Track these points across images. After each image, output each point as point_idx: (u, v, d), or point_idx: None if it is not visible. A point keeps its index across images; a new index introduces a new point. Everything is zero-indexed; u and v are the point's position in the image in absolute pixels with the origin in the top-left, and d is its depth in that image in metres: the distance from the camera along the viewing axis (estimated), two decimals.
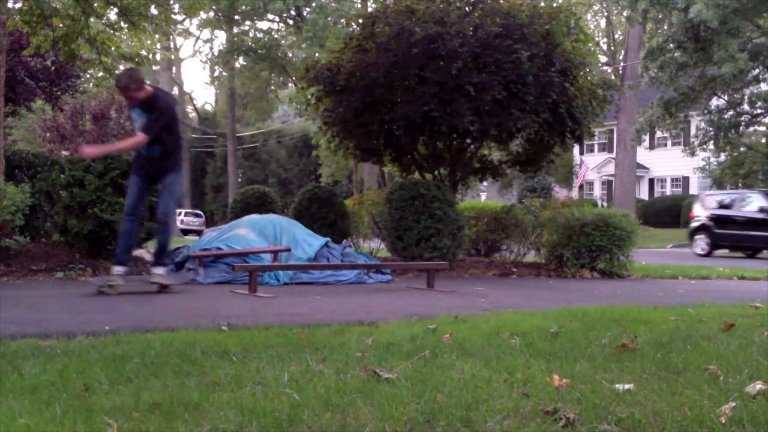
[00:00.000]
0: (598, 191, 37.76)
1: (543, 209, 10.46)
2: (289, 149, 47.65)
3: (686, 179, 34.49)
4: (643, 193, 35.54)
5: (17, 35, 12.11)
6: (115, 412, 2.18)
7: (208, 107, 60.07)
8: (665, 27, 20.30)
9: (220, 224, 16.68)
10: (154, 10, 9.64)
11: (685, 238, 24.28)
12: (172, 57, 35.97)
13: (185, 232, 33.55)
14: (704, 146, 23.85)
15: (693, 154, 24.12)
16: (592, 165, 35.62)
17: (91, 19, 9.56)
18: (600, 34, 45.80)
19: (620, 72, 29.30)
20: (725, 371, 2.78)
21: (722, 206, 17.75)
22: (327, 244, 8.19)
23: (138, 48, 10.33)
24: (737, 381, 2.61)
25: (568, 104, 9.10)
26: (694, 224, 18.02)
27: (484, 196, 39.70)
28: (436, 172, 10.63)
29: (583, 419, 2.14)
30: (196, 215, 39.05)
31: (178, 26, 32.15)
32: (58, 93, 14.67)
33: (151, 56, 10.70)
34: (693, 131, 26.73)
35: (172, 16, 10.95)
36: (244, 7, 34.35)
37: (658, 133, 31.49)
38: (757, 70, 20.35)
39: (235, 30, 37.00)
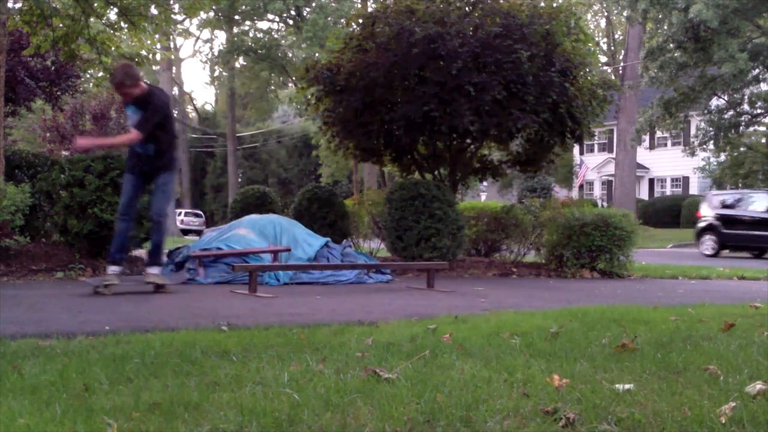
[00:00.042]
0: (598, 191, 37.77)
1: (543, 209, 10.46)
2: (289, 149, 47.65)
3: (686, 179, 34.50)
4: (643, 193, 35.55)
5: (17, 35, 12.11)
6: (115, 412, 2.18)
7: (208, 107, 60.11)
8: (665, 27, 20.31)
9: (220, 224, 16.69)
10: (154, 10, 9.64)
11: (686, 238, 24.33)
12: (172, 57, 35.96)
13: (185, 232, 33.55)
14: (704, 146, 23.86)
15: (693, 154, 24.12)
16: (592, 165, 35.62)
17: (91, 19, 9.56)
18: (600, 34, 45.81)
19: (620, 72, 29.30)
20: (725, 371, 2.78)
21: (730, 206, 17.59)
22: (327, 244, 8.19)
23: (138, 48, 10.33)
24: (737, 381, 2.61)
25: (568, 104, 9.10)
26: (701, 224, 17.83)
27: (484, 196, 39.71)
28: (436, 172, 10.63)
29: (583, 419, 2.14)
30: (196, 215, 39.06)
31: (178, 26, 32.17)
32: (58, 93, 14.67)
33: (151, 56, 10.69)
34: (693, 131, 26.73)
35: (172, 16, 10.95)
36: (244, 7, 34.34)
37: (658, 133, 31.50)
38: (757, 70, 20.36)
39: (235, 30, 36.99)
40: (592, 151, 37.83)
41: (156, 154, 5.96)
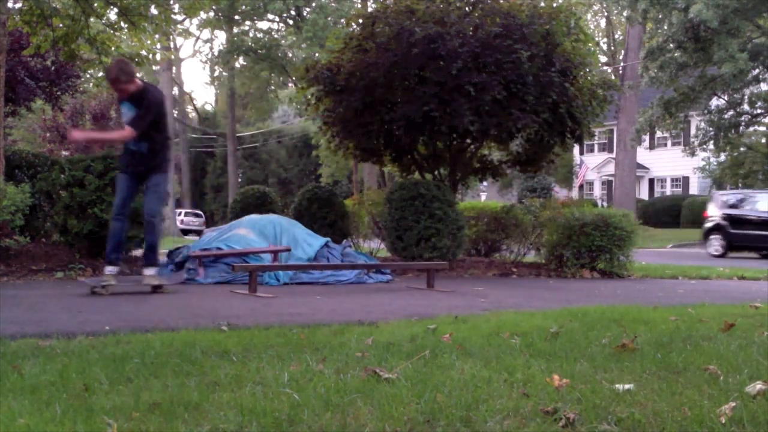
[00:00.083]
0: (598, 191, 37.78)
1: (543, 209, 10.46)
2: (289, 149, 47.66)
3: (686, 179, 34.51)
4: (643, 193, 35.55)
5: (17, 35, 12.11)
6: (115, 412, 2.18)
7: (208, 107, 60.12)
8: (665, 27, 20.31)
9: (220, 224, 16.69)
10: (154, 10, 9.64)
11: (686, 237, 24.34)
12: (172, 57, 35.95)
13: (185, 232, 33.55)
14: (704, 146, 23.86)
15: (693, 154, 24.12)
16: (592, 165, 35.63)
17: (91, 19, 9.56)
18: (600, 34, 45.81)
19: (620, 72, 29.31)
20: (725, 371, 2.78)
21: (737, 206, 17.41)
22: (327, 244, 8.19)
23: (138, 48, 10.33)
24: (737, 381, 2.61)
25: (568, 104, 9.10)
26: (708, 224, 17.63)
27: (484, 196, 39.71)
28: (436, 172, 10.63)
29: (583, 419, 2.14)
30: (196, 215, 39.07)
31: (178, 26, 32.15)
32: (58, 93, 14.68)
33: (151, 56, 10.69)
34: (693, 131, 26.74)
35: (172, 16, 10.94)
36: (244, 7, 34.34)
37: (658, 133, 31.51)
38: (757, 70, 20.36)
39: (235, 30, 36.99)
40: (592, 151, 37.84)
41: (149, 152, 5.94)
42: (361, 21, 10.00)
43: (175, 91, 41.49)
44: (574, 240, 9.11)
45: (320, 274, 7.42)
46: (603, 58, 42.18)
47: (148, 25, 9.69)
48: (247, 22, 37.27)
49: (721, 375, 2.72)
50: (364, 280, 7.62)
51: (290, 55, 36.76)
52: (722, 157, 27.10)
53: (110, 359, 2.98)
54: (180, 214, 36.78)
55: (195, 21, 38.16)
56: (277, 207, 11.00)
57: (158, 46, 11.93)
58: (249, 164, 48.09)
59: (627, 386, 2.50)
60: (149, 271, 6.02)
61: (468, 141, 10.14)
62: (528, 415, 2.19)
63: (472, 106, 8.56)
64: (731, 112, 22.54)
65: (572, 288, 7.44)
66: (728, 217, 17.16)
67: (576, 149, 32.90)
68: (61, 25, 9.42)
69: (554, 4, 10.22)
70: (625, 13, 22.93)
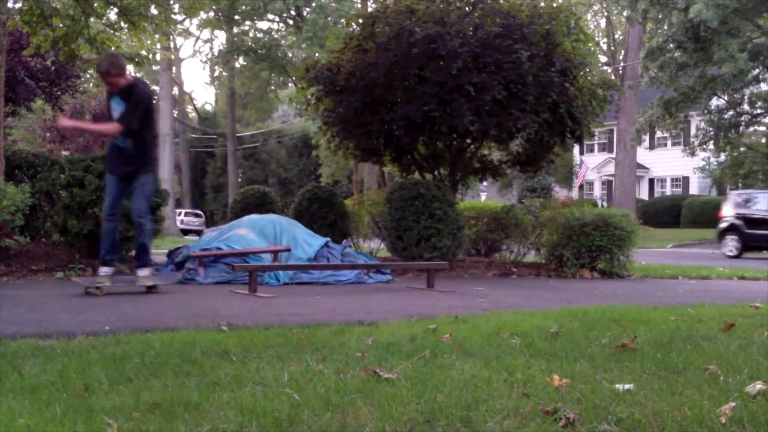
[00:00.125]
0: (598, 191, 37.77)
1: (543, 209, 10.46)
2: (289, 149, 47.65)
3: (686, 179, 34.51)
4: (643, 193, 35.55)
5: (17, 35, 12.11)
6: (115, 412, 2.18)
7: (208, 107, 60.08)
8: (665, 27, 20.31)
9: (220, 224, 16.69)
10: (154, 10, 9.64)
11: (686, 237, 24.36)
12: (172, 57, 35.93)
13: (185, 232, 33.55)
14: (704, 146, 23.85)
15: (693, 154, 24.11)
16: (592, 165, 35.62)
17: (91, 19, 9.55)
18: (600, 34, 45.80)
19: (620, 72, 29.30)
20: (725, 371, 2.78)
21: (753, 206, 17.19)
22: (327, 244, 8.19)
23: (138, 48, 10.32)
24: (737, 381, 2.61)
25: (568, 104, 9.10)
26: (723, 225, 17.46)
27: (484, 196, 39.71)
28: (436, 172, 10.63)
29: (583, 419, 2.14)
30: (196, 215, 39.06)
31: (178, 26, 32.13)
32: (58, 93, 14.68)
33: (151, 56, 10.69)
34: (693, 131, 26.74)
35: (172, 16, 10.94)
36: (244, 7, 34.32)
37: (658, 133, 31.50)
38: (757, 70, 20.35)
39: (235, 30, 36.97)
40: (592, 151, 37.83)
41: (135, 149, 5.93)
42: (361, 21, 10.00)
43: (175, 91, 41.48)
44: (574, 240, 9.11)
45: (320, 274, 7.42)
46: (603, 58, 42.18)
47: (148, 25, 9.68)
48: (247, 22, 37.26)
49: (721, 375, 2.72)
50: (364, 280, 7.62)
51: (290, 55, 36.75)
52: (722, 157, 27.09)
53: (110, 359, 2.98)
54: (180, 214, 36.77)
55: (195, 21, 38.15)
56: (277, 207, 11.00)
57: (158, 46, 11.93)
58: (249, 164, 48.09)
59: (627, 386, 2.50)
60: (142, 272, 6.02)
61: (468, 141, 10.14)
62: (528, 415, 2.19)
63: (472, 106, 8.56)
64: (731, 112, 22.53)
65: (572, 288, 7.44)
66: (743, 217, 16.97)
67: (576, 149, 32.90)
68: (61, 25, 9.42)
69: (554, 4, 10.22)
70: (625, 13, 22.93)
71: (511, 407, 2.25)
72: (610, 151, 34.27)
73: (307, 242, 8.03)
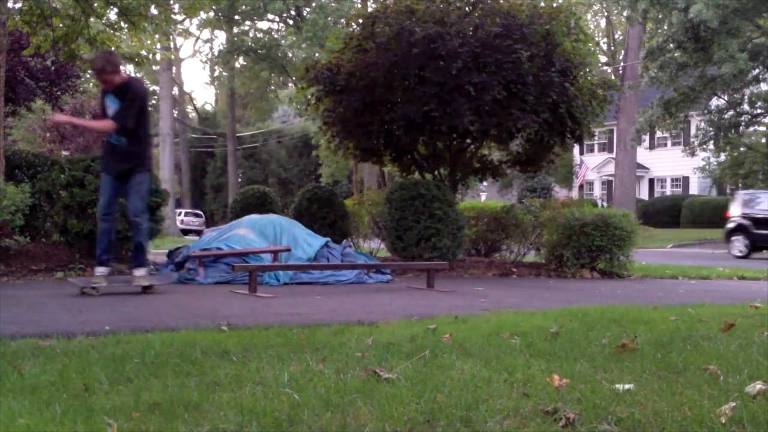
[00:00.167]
0: (598, 191, 37.78)
1: (543, 209, 10.46)
2: (289, 149, 47.65)
3: (686, 179, 34.51)
4: (643, 193, 35.55)
5: (17, 35, 12.11)
6: (115, 412, 2.18)
7: (208, 107, 60.09)
8: (665, 27, 20.31)
9: (220, 224, 16.69)
10: (154, 10, 9.64)
11: (686, 237, 24.35)
12: (172, 57, 35.94)
13: (185, 232, 33.55)
14: (704, 146, 23.86)
15: (693, 154, 24.11)
16: (592, 165, 35.63)
17: (91, 19, 9.55)
18: (600, 34, 45.81)
19: (620, 72, 29.31)
20: (725, 371, 2.78)
21: (760, 206, 17.03)
22: (327, 244, 8.19)
23: (138, 48, 10.32)
24: (737, 381, 2.61)
25: (568, 104, 9.10)
26: (730, 225, 17.30)
27: (484, 196, 39.71)
28: (436, 172, 10.63)
29: (583, 419, 2.14)
30: (196, 215, 39.07)
31: (178, 26, 32.15)
32: (58, 93, 14.68)
33: (151, 56, 10.68)
34: (693, 131, 26.74)
35: (172, 16, 10.94)
36: (244, 7, 34.33)
37: (658, 133, 31.51)
38: (757, 70, 20.36)
39: (235, 30, 36.98)
40: (592, 151, 37.84)
41: (130, 147, 5.93)
42: (361, 21, 10.00)
43: (175, 91, 41.48)
44: (574, 240, 9.11)
45: (320, 274, 7.42)
46: (603, 58, 42.19)
47: (148, 25, 9.68)
48: (247, 22, 37.26)
49: (721, 375, 2.72)
50: (364, 280, 7.62)
51: (290, 55, 36.75)
52: (722, 157, 27.10)
53: (110, 359, 2.98)
54: (180, 214, 36.78)
55: (195, 21, 38.15)
56: (277, 207, 11.00)
57: (158, 46, 11.92)
58: (249, 164, 48.09)
59: (627, 386, 2.50)
60: (139, 272, 6.01)
61: (468, 141, 10.14)
62: (528, 415, 2.19)
63: (472, 106, 8.56)
64: (731, 112, 22.54)
65: (572, 288, 7.44)
66: (751, 218, 16.82)
67: (576, 149, 32.91)
68: (61, 25, 9.42)
69: (554, 4, 10.22)
70: (625, 13, 22.93)
71: (511, 407, 2.25)
72: (610, 151, 34.27)
73: (307, 242, 8.04)
